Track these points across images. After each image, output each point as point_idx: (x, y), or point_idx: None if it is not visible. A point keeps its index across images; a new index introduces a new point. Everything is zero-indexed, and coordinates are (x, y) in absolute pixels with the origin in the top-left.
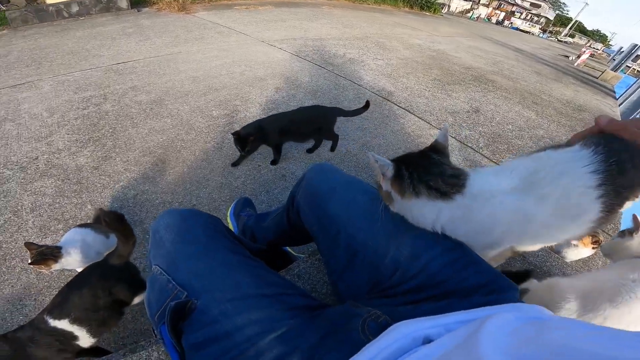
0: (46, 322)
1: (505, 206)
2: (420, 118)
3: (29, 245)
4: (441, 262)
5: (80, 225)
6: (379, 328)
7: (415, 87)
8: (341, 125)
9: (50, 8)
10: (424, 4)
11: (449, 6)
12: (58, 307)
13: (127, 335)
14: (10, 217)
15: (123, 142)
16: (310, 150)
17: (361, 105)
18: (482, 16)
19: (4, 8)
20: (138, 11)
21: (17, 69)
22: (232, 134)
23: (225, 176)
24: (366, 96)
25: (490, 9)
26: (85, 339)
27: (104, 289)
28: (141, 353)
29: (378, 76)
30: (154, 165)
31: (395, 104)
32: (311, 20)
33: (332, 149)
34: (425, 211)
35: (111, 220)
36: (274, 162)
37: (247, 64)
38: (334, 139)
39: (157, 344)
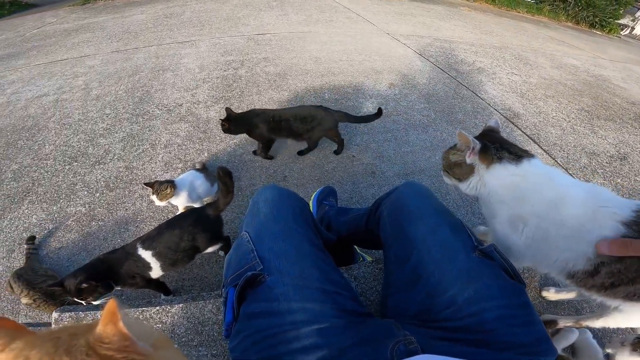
0: (136, 249)
1: (549, 191)
2: (545, 151)
3: (149, 184)
4: (498, 314)
5: (197, 169)
6: (407, 353)
7: (552, 114)
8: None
9: None
10: (596, 21)
11: (633, 28)
12: (150, 240)
13: (189, 278)
14: (147, 148)
15: (246, 105)
16: (301, 153)
17: (372, 113)
18: None
19: None
20: None
21: (186, 28)
22: (223, 118)
23: (320, 157)
24: (488, 112)
25: None
26: (156, 272)
27: (191, 234)
28: (199, 302)
29: (508, 93)
30: None
31: (520, 129)
32: (444, 20)
33: (337, 152)
34: (500, 174)
35: (224, 174)
36: (266, 156)
37: (368, 53)
38: (339, 142)
39: (214, 298)
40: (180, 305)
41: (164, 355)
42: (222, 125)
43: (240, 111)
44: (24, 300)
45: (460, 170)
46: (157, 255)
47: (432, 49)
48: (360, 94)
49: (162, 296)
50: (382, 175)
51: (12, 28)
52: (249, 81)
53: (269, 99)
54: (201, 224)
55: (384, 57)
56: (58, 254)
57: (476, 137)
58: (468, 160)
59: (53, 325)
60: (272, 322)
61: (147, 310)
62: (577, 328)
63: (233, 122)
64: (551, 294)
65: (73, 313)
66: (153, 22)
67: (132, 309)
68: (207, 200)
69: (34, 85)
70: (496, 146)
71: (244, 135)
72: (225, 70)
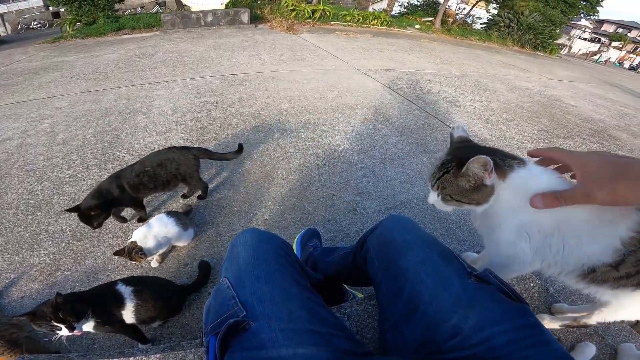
0: (117, 289)
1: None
2: None
3: (117, 253)
4: (508, 338)
5: (167, 213)
6: None
7: (516, 137)
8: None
9: (193, 15)
10: (538, 44)
11: (570, 47)
12: (133, 283)
13: (169, 326)
14: None
15: (221, 148)
16: (184, 196)
17: (235, 149)
18: (612, 60)
19: (161, 10)
20: (255, 27)
21: (159, 68)
22: (68, 210)
23: (300, 199)
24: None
25: (624, 52)
26: (129, 319)
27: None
28: (178, 352)
29: (473, 120)
30: (241, 174)
31: None
32: (408, 53)
33: (201, 197)
34: (515, 182)
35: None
36: (140, 220)
37: (340, 90)
38: (201, 186)
39: (195, 348)
40: (157, 355)
41: None
42: (82, 217)
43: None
44: None
45: (480, 195)
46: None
47: (400, 82)
48: (335, 131)
49: (139, 345)
50: (363, 212)
51: None
52: (224, 122)
53: (245, 140)
54: (166, 296)
55: (356, 92)
56: (21, 303)
57: (454, 152)
58: (488, 182)
59: None
60: None
61: None
62: (576, 327)
63: (91, 205)
64: (561, 311)
65: None
66: (125, 62)
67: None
68: (180, 243)
69: None
70: (499, 157)
71: (223, 179)
72: (199, 112)
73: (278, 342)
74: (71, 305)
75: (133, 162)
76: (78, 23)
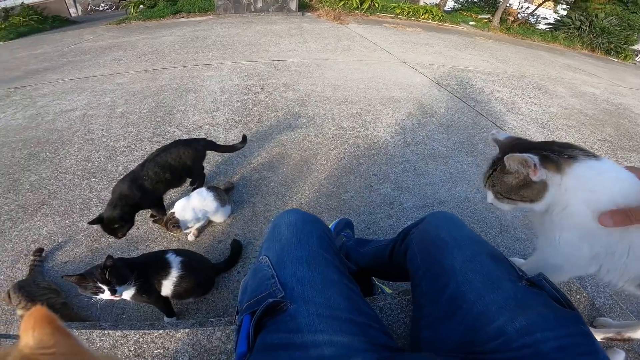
0: (167, 258)
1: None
2: None
3: (156, 221)
4: (559, 344)
5: (209, 187)
6: None
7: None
8: (468, 171)
9: (244, 1)
10: (611, 48)
11: None
12: (182, 254)
13: (195, 301)
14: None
15: (264, 130)
16: (192, 183)
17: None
18: None
19: None
20: (303, 15)
21: (210, 51)
22: (91, 222)
23: (337, 187)
24: None
25: None
26: (166, 291)
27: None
28: (207, 328)
29: (528, 123)
30: (280, 157)
31: None
32: (460, 49)
33: (194, 186)
34: (585, 174)
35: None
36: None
37: (385, 82)
38: (202, 178)
39: (224, 325)
40: (187, 330)
41: None
42: (106, 228)
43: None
44: (19, 312)
45: (530, 191)
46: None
47: (449, 79)
48: (378, 122)
49: (165, 318)
50: (400, 207)
51: (52, 43)
52: (268, 106)
53: (287, 125)
54: (206, 273)
55: (402, 85)
56: (64, 268)
57: (504, 150)
58: (535, 178)
59: None
60: (295, 356)
61: (149, 334)
62: (619, 340)
63: (114, 216)
64: (605, 326)
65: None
66: (180, 44)
67: (133, 331)
68: (217, 219)
69: (64, 99)
70: (554, 149)
71: (264, 160)
72: (245, 94)
73: (315, 327)
74: (118, 268)
75: (141, 162)
76: (141, 6)
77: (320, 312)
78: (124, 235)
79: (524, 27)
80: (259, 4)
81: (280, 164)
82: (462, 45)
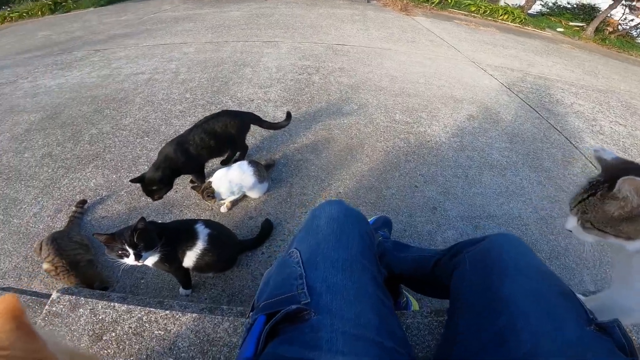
0: (196, 228)
1: None
2: None
3: (194, 188)
4: None
5: (250, 162)
6: None
7: None
8: (531, 188)
9: None
10: None
11: None
12: (211, 226)
13: (214, 277)
14: None
15: (313, 111)
16: (224, 162)
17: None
18: None
19: None
20: (368, 2)
21: (272, 29)
22: (132, 181)
23: (379, 181)
24: (581, 164)
25: None
26: (188, 262)
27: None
28: (216, 316)
29: (607, 144)
30: (326, 141)
31: None
32: (540, 55)
33: (232, 160)
34: None
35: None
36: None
37: (448, 80)
38: (244, 150)
39: (234, 316)
40: (194, 315)
41: None
42: (144, 188)
43: (302, 116)
44: (45, 266)
45: (633, 227)
46: (206, 246)
47: (523, 84)
48: (434, 120)
49: (181, 289)
50: (443, 213)
51: (135, 11)
52: (321, 88)
53: (338, 109)
54: (230, 249)
55: (466, 85)
56: (100, 223)
57: (608, 171)
58: None
59: (49, 303)
60: None
61: (154, 312)
62: None
63: (155, 177)
64: None
65: (73, 297)
66: (245, 19)
67: (139, 307)
68: (253, 195)
69: (135, 63)
70: None
71: (309, 142)
72: (300, 74)
73: (336, 347)
74: (148, 232)
75: (190, 127)
76: None
77: (346, 330)
78: (160, 198)
79: (622, 40)
80: None
81: (325, 148)
82: (543, 51)
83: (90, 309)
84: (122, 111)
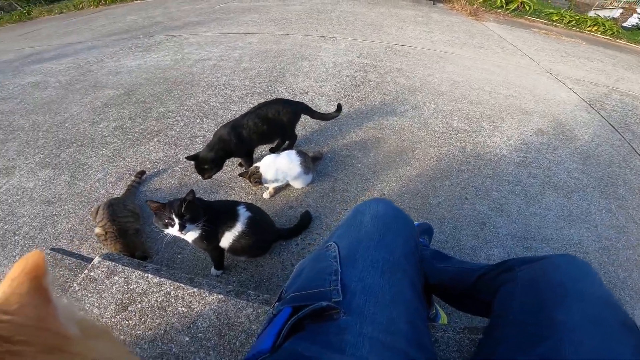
0: (238, 210)
1: None
2: None
3: (242, 174)
4: None
5: (298, 151)
6: None
7: None
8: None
9: None
10: None
11: None
12: (252, 210)
13: (244, 260)
14: None
15: (366, 109)
16: (273, 149)
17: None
18: None
19: None
20: (434, 4)
21: (332, 25)
22: (188, 158)
23: (427, 187)
24: None
25: None
26: (225, 243)
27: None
28: (240, 300)
29: None
30: (376, 140)
31: None
32: (631, 71)
33: (281, 148)
34: None
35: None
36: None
37: (518, 90)
38: (293, 139)
39: (259, 303)
40: (220, 296)
41: (94, 347)
42: (197, 166)
43: (354, 113)
44: (97, 230)
45: None
46: (245, 228)
47: (607, 101)
48: (497, 132)
49: (213, 269)
50: (492, 230)
51: (209, 0)
52: (376, 87)
53: (391, 110)
54: (267, 236)
55: (539, 97)
56: (154, 194)
57: None
58: None
59: (89, 267)
60: None
61: (183, 288)
62: None
63: (208, 157)
64: None
65: (112, 264)
66: (307, 14)
67: (170, 281)
68: (296, 185)
69: (204, 49)
70: None
71: (358, 139)
72: (356, 71)
73: (360, 352)
74: (195, 206)
75: (245, 112)
76: None
77: (375, 336)
78: (210, 177)
79: None
80: None
81: (374, 147)
82: (635, 67)
83: (124, 278)
84: (187, 93)
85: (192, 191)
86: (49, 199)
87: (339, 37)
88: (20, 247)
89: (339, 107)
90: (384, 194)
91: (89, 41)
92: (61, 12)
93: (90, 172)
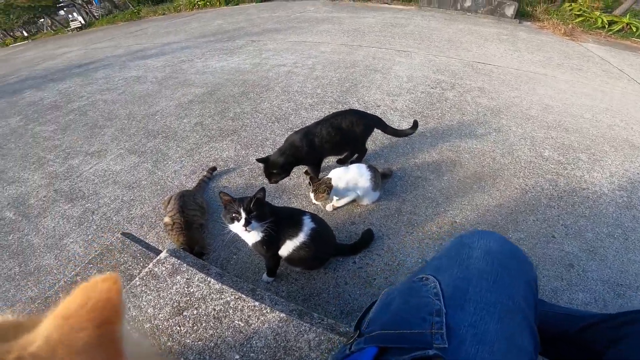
0: (303, 220)
1: None
2: None
3: (311, 179)
4: None
5: (369, 166)
6: None
7: None
8: None
9: None
10: None
11: None
12: (316, 221)
13: (298, 271)
14: None
15: (442, 129)
16: (341, 161)
17: None
18: None
19: None
20: (519, 22)
21: (406, 39)
22: (258, 160)
23: (507, 220)
24: None
25: None
26: (284, 251)
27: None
28: (303, 323)
29: None
30: (451, 163)
31: None
32: None
33: (349, 161)
34: None
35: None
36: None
37: (625, 119)
38: (362, 152)
39: (323, 329)
40: (281, 315)
41: None
42: (266, 169)
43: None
44: (166, 220)
45: None
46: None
47: None
48: (597, 166)
49: (265, 276)
50: (581, 274)
51: (285, 9)
52: (454, 106)
53: (471, 132)
54: (326, 249)
55: None
56: (220, 190)
57: None
58: None
59: (154, 262)
60: None
61: (243, 300)
62: None
63: (278, 161)
64: None
65: (177, 261)
66: (380, 27)
67: (232, 290)
68: (363, 201)
69: (280, 56)
70: None
71: (432, 160)
72: (432, 88)
73: None
74: (264, 205)
75: (318, 120)
76: None
77: None
78: (277, 182)
79: None
80: (468, 3)
81: (448, 171)
82: None
83: (186, 279)
84: (262, 96)
85: (263, 189)
86: (130, 184)
87: (413, 52)
88: (95, 227)
89: (415, 124)
90: (455, 222)
91: (183, 41)
92: (163, 14)
93: (169, 163)
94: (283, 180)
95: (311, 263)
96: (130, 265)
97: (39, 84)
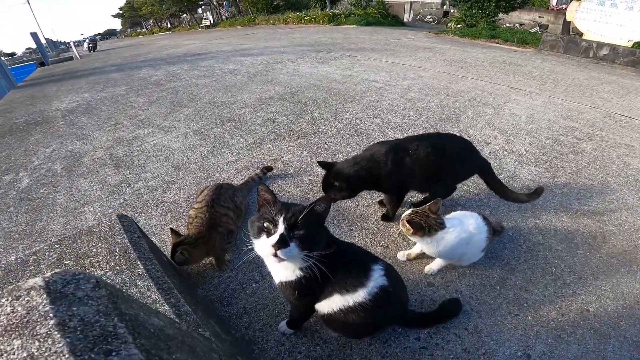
0: (372, 270)
1: None
2: None
3: (417, 206)
4: None
5: (485, 218)
6: None
7: None
8: None
9: (583, 43)
10: None
11: None
12: (389, 276)
13: (326, 341)
14: None
15: (577, 187)
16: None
17: None
18: None
19: (541, 32)
20: None
21: (523, 78)
22: (320, 162)
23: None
24: None
25: None
26: (325, 307)
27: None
28: None
29: None
30: (590, 234)
31: None
32: None
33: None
34: None
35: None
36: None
37: None
38: (449, 191)
39: None
40: None
41: None
42: (325, 179)
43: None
44: (191, 212)
45: None
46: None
47: None
48: None
49: (284, 326)
50: None
51: (384, 34)
52: (594, 161)
53: (618, 199)
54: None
55: None
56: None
57: None
58: None
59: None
60: None
61: None
62: None
63: (345, 172)
64: None
65: (50, 300)
66: (489, 62)
67: None
68: (463, 262)
69: (372, 72)
70: None
71: (555, 222)
72: (562, 135)
73: None
74: (319, 224)
75: (415, 135)
76: (460, 24)
77: None
78: (335, 200)
79: None
80: (603, 52)
81: (585, 244)
82: None
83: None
84: (346, 107)
85: (329, 197)
86: (179, 165)
87: (533, 92)
88: (121, 201)
89: (539, 192)
90: (588, 310)
91: (282, 47)
92: (274, 24)
93: (226, 152)
94: (346, 203)
95: (359, 331)
96: (98, 261)
97: (156, 65)
